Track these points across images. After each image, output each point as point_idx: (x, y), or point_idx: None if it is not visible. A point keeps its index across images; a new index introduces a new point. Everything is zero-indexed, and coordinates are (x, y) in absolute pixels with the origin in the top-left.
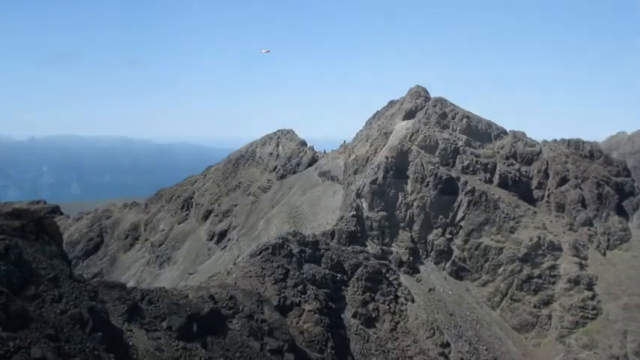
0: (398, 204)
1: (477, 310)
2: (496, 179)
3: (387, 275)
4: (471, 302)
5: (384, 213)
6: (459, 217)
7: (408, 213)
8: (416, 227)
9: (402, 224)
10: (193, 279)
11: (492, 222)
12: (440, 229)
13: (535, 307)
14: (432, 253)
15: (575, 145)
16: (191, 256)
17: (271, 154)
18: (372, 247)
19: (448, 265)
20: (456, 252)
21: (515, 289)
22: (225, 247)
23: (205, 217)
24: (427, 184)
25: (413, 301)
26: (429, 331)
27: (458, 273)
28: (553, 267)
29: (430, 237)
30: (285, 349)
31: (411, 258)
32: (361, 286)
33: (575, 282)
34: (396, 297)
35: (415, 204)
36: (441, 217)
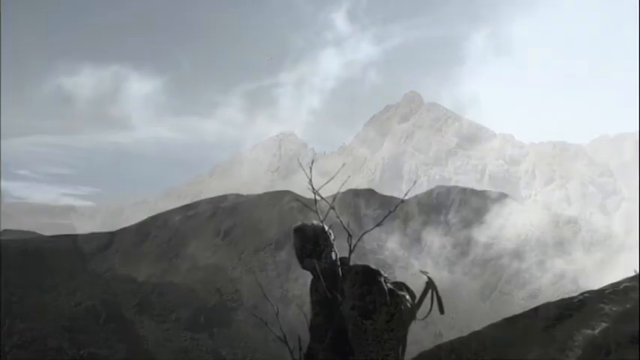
0: (394, 202)
1: (469, 303)
2: (486, 179)
3: (384, 270)
4: (463, 295)
5: (380, 211)
6: (451, 214)
7: (404, 211)
8: (411, 224)
9: (397, 221)
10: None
11: (482, 219)
12: (433, 226)
13: (523, 299)
14: (425, 249)
15: (561, 147)
16: (199, 251)
17: (274, 155)
18: (369, 243)
19: (441, 259)
20: (449, 247)
21: (504, 282)
22: (230, 243)
23: (212, 215)
24: (421, 184)
25: None
26: (423, 322)
27: (450, 267)
28: (540, 262)
29: (424, 233)
30: (286, 339)
31: (406, 253)
32: (359, 279)
33: (561, 276)
34: (392, 290)
35: (410, 202)
36: (434, 214)
